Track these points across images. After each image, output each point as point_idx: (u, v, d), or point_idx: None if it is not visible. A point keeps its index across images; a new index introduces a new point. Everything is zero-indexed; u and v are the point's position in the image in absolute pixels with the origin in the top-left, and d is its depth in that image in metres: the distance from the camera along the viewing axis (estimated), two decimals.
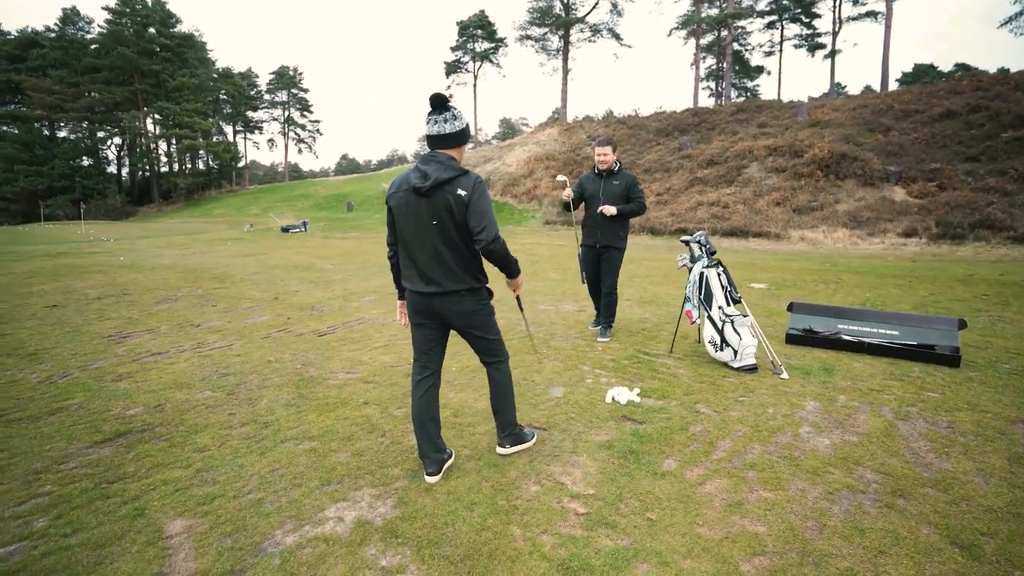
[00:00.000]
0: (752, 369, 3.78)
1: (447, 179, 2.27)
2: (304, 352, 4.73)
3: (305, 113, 62.13)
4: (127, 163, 50.92)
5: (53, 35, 45.78)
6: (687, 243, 4.15)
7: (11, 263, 12.71)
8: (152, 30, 44.59)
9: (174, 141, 45.99)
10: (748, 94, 46.05)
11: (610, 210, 4.34)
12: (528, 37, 41.94)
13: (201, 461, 2.77)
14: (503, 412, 2.70)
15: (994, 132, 16.78)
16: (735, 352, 3.77)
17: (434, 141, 2.39)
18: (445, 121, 2.35)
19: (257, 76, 58.59)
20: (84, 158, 46.60)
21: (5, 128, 44.51)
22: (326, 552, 2.02)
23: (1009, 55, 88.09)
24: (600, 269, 4.66)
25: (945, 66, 43.79)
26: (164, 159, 50.62)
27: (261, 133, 61.61)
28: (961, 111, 18.31)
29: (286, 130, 61.33)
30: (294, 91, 60.49)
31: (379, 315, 6.24)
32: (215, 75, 51.13)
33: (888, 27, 30.48)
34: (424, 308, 2.47)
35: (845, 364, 4.02)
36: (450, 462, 2.64)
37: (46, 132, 45.46)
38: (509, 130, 79.41)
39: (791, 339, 4.51)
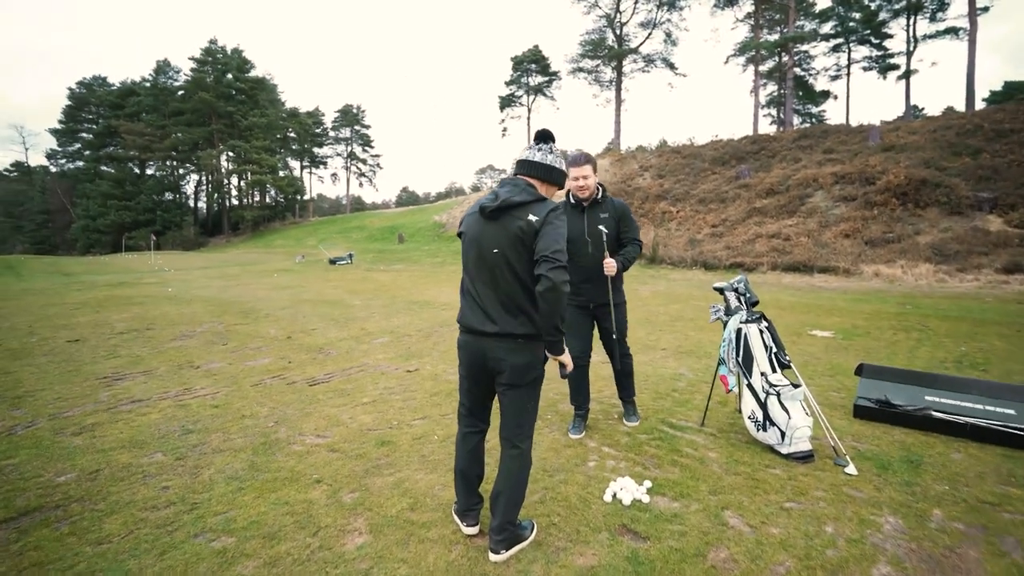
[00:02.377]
0: (806, 457, 2.90)
1: (519, 202, 2.00)
2: (285, 406, 4.25)
3: (366, 148, 64.96)
4: (203, 197, 54.86)
5: (148, 84, 50.62)
6: (721, 291, 3.36)
7: (72, 292, 13.37)
8: (230, 76, 48.40)
9: (247, 176, 49.09)
10: (812, 120, 43.78)
11: (612, 267, 3.21)
12: (581, 69, 42.00)
13: (88, 561, 2.26)
14: (506, 506, 2.15)
15: None
16: (782, 434, 2.92)
17: (520, 166, 2.12)
18: (539, 150, 2.14)
19: (323, 114, 62.09)
20: (167, 193, 50.60)
21: (103, 168, 49.15)
22: None
23: None
24: (602, 333, 3.48)
25: None
26: (235, 193, 54.09)
27: (326, 168, 64.80)
28: None
29: (348, 164, 64.25)
30: (357, 127, 63.51)
31: (383, 361, 5.72)
32: (283, 114, 54.54)
33: (972, 43, 28.09)
34: (478, 355, 2.14)
35: (939, 454, 3.04)
36: (480, 511, 2.40)
37: (136, 170, 49.80)
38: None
39: (861, 412, 3.56)
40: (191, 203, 55.11)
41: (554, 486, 2.76)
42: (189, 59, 48.00)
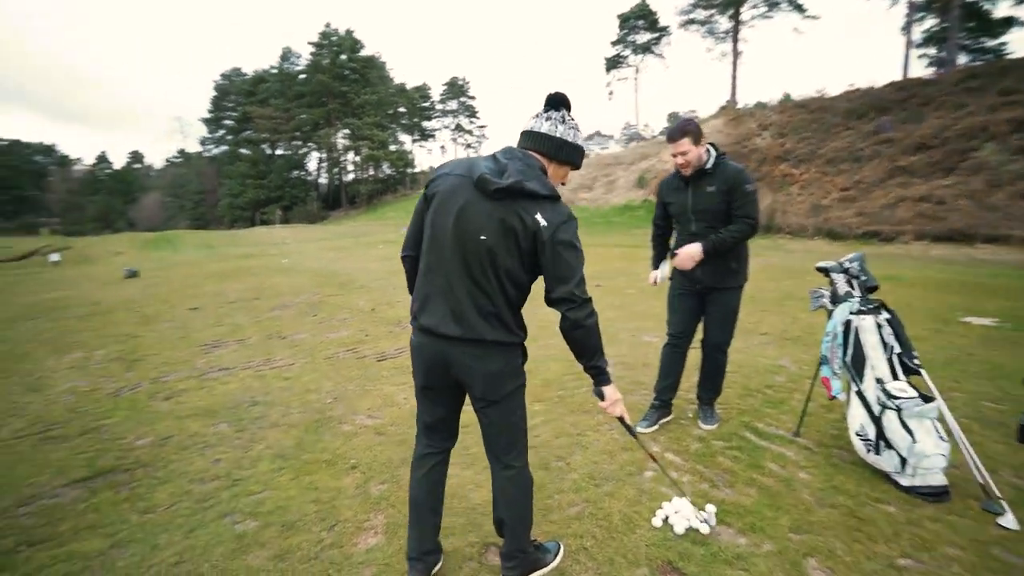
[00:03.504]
0: (938, 495, 2.22)
1: (530, 191, 1.55)
2: (347, 382, 4.25)
3: (472, 119, 65.87)
4: (324, 174, 59.45)
5: (275, 71, 55.30)
6: (826, 272, 2.67)
7: (210, 263, 15.07)
8: (343, 57, 51.19)
9: (361, 151, 52.25)
10: (990, 56, 36.25)
11: (688, 259, 2.75)
12: (692, 21, 38.43)
13: (129, 530, 2.33)
14: (512, 533, 1.84)
15: None
16: (902, 460, 2.25)
17: (527, 138, 1.68)
18: (548, 119, 1.68)
19: (430, 88, 63.75)
20: (293, 171, 55.45)
21: (242, 150, 55.01)
22: None
23: None
24: (705, 319, 3.05)
25: None
26: (351, 168, 57.94)
27: (434, 140, 66.85)
28: None
29: (455, 136, 65.75)
30: (463, 99, 64.46)
31: None
32: (392, 90, 56.80)
33: None
34: (439, 362, 1.71)
35: None
36: (439, 567, 1.97)
37: (268, 151, 55.07)
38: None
39: None
40: (314, 179, 60.00)
41: (598, 499, 2.38)
42: (308, 44, 51.72)
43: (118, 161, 73.89)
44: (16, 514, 2.51)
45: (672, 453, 2.79)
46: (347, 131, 51.68)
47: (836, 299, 2.59)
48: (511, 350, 1.70)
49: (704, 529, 2.07)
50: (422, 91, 62.33)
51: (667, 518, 2.15)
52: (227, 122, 57.86)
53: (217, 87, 57.58)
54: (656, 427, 3.12)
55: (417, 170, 62.57)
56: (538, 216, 1.54)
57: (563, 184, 1.77)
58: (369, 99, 50.00)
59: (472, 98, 64.83)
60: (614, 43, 48.11)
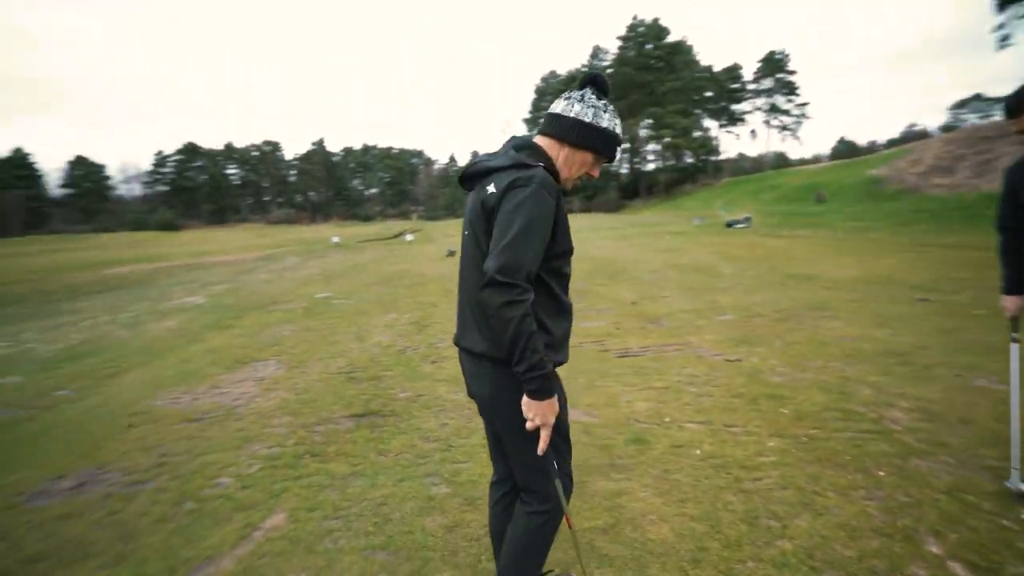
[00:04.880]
0: None
1: (490, 167, 1.42)
2: (579, 375, 4.23)
3: (791, 97, 58.00)
4: (624, 165, 61.35)
5: (585, 70, 59.62)
6: None
7: None
8: (649, 46, 51.39)
9: (665, 139, 51.96)
10: None
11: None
12: None
13: (365, 464, 2.88)
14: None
15: None
16: None
17: (544, 121, 1.57)
18: (566, 98, 1.48)
19: (741, 67, 58.64)
20: None
21: None
22: None
23: None
24: None
25: None
26: (651, 157, 58.29)
27: (744, 124, 61.56)
28: None
29: (768, 118, 59.05)
30: (779, 76, 57.19)
31: (708, 343, 4.98)
32: (699, 74, 54.31)
33: None
34: (464, 372, 1.64)
35: None
36: None
37: None
38: None
39: None
40: (615, 170, 62.70)
41: None
42: (616, 39, 53.94)
43: (463, 160, 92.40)
44: (313, 430, 3.37)
45: (963, 566, 1.86)
46: (649, 120, 52.04)
47: None
48: (506, 372, 1.35)
49: None
50: (732, 72, 57.88)
51: None
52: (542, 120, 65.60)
53: (536, 89, 65.58)
54: None
55: (722, 157, 58.78)
56: (490, 187, 1.36)
57: (591, 176, 1.49)
58: (673, 86, 49.12)
59: (791, 73, 56.93)
60: None
